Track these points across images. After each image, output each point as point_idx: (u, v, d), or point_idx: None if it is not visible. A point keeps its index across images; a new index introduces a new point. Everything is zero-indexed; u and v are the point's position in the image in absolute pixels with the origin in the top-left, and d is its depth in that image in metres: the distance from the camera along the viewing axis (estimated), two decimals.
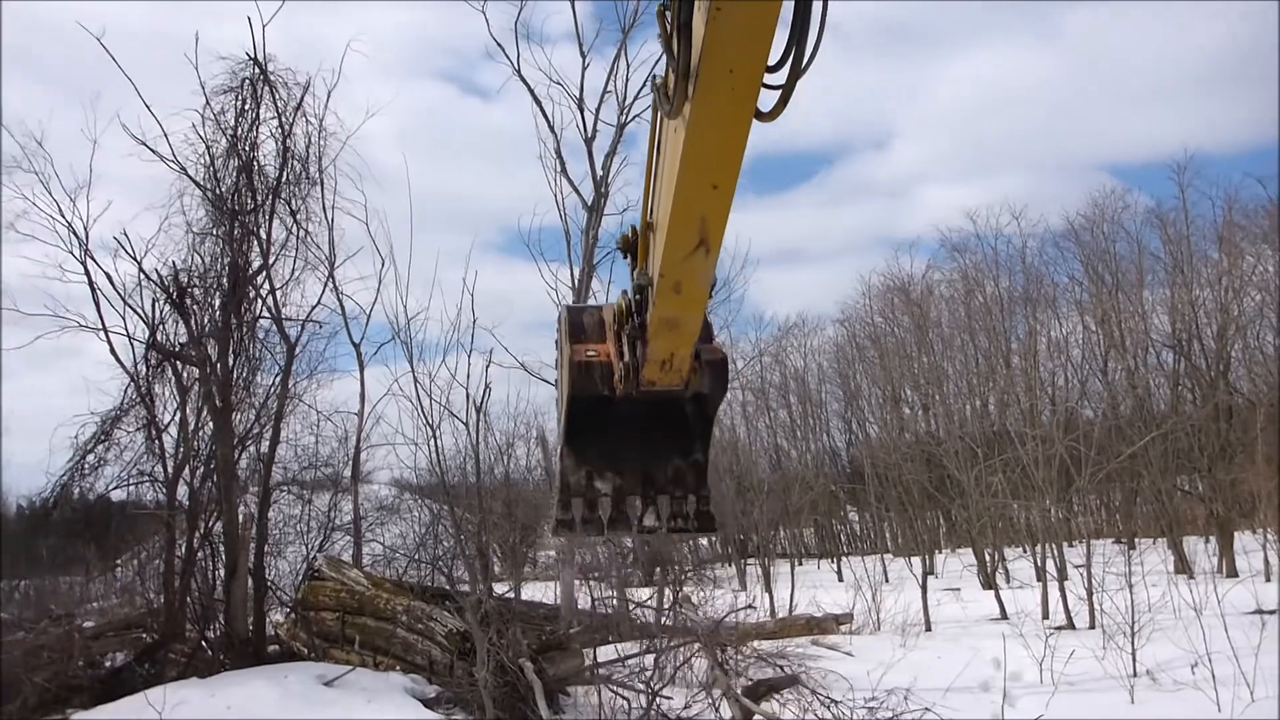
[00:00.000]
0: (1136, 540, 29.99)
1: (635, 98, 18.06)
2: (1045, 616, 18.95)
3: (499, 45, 18.66)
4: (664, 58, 3.36)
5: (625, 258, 4.75)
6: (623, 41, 18.13)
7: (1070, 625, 17.46)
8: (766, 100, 3.18)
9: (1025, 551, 30.13)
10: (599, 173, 18.06)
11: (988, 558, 29.18)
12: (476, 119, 79.75)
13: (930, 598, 19.88)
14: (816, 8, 2.92)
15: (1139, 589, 13.50)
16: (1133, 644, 12.61)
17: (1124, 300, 36.50)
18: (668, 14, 3.22)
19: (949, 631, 18.37)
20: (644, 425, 5.05)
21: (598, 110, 18.30)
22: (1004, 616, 19.53)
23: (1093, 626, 16.16)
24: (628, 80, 18.27)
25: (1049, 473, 22.02)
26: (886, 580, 25.36)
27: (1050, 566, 20.61)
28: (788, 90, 3.16)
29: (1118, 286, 36.79)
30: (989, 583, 26.82)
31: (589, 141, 18.32)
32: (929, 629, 18.75)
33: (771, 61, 3.06)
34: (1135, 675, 12.20)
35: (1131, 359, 36.01)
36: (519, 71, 18.46)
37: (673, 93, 3.30)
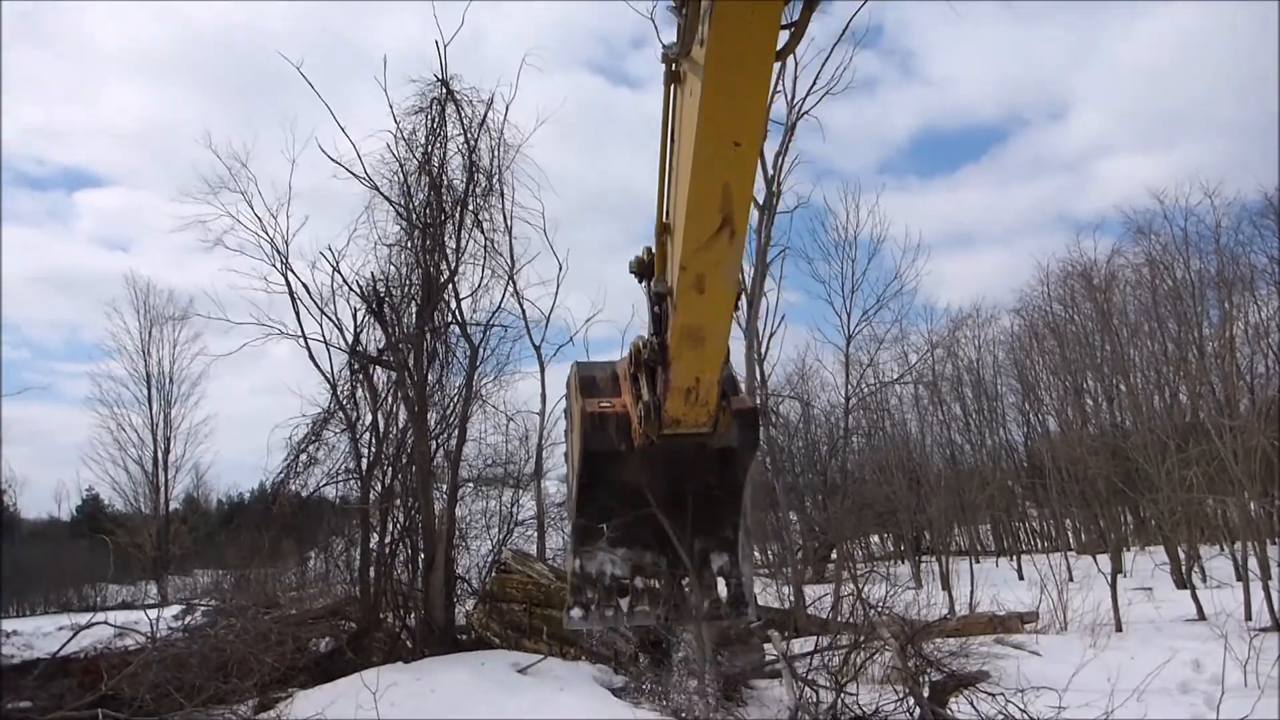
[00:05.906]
0: None
1: (806, 94, 18.17)
2: (1248, 618, 18.00)
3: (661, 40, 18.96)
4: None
5: (640, 282, 4.26)
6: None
7: (1277, 627, 16.53)
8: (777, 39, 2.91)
9: (1223, 550, 28.48)
10: (769, 171, 18.15)
11: (1182, 556, 27.79)
12: (629, 110, 79.76)
13: (1120, 597, 19.13)
14: None
15: None
16: None
17: None
18: None
19: (1142, 632, 17.64)
20: (667, 497, 4.49)
21: (768, 108, 18.27)
22: (1202, 617, 18.63)
23: None
24: (796, 78, 18.34)
25: (1250, 466, 20.83)
26: (1071, 578, 24.45)
27: (1253, 565, 19.58)
28: (804, 20, 2.93)
29: None
30: (1184, 582, 25.56)
31: None
32: (1120, 629, 18.04)
33: None
34: None
35: None
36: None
37: (685, 30, 3.06)
